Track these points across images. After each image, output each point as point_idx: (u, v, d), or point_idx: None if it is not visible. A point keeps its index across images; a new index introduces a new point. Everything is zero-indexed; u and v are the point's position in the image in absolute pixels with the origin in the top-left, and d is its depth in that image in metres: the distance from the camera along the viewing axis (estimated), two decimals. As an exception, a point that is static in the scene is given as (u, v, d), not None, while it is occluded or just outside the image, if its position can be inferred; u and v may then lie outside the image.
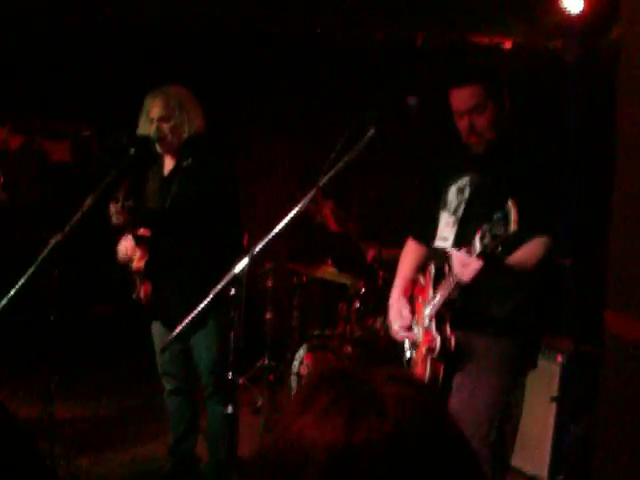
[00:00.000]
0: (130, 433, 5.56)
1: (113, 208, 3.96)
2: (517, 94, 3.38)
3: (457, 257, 2.97)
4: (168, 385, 4.50)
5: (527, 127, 3.42)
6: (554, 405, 4.61)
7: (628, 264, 3.33)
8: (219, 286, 2.90)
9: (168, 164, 4.32)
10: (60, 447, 4.89)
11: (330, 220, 5.86)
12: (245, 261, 2.86)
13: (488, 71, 3.33)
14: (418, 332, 3.37)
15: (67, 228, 3.91)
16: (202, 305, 2.92)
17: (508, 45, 6.87)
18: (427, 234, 3.49)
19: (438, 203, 3.43)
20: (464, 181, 3.32)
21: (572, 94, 6.54)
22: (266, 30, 7.08)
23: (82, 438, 5.37)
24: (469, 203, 3.27)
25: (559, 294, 4.54)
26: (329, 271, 6.08)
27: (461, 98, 3.18)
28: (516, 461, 4.73)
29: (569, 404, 4.59)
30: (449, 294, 3.10)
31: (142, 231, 4.19)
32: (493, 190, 3.15)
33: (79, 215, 3.93)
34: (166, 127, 4.12)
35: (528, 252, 3.05)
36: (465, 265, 2.91)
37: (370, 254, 5.87)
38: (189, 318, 2.97)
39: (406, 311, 3.44)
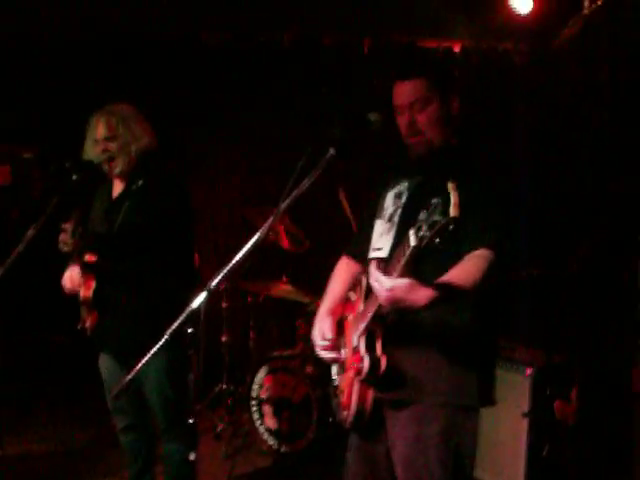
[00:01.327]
0: (86, 469, 5.31)
1: (62, 236, 3.74)
2: (467, 97, 3.16)
3: (373, 275, 2.58)
4: (119, 422, 4.27)
5: (476, 132, 3.16)
6: (526, 421, 4.48)
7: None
8: (176, 323, 2.68)
9: (117, 187, 4.11)
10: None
11: (283, 238, 5.69)
12: (203, 296, 2.65)
13: (435, 65, 3.12)
14: (346, 354, 3.05)
15: (9, 261, 3.71)
16: (158, 345, 2.70)
17: (457, 48, 6.75)
18: (362, 250, 3.16)
19: (374, 212, 3.13)
20: (402, 186, 3.03)
21: (522, 96, 6.49)
22: (210, 42, 6.90)
23: (35, 476, 5.14)
24: (406, 208, 2.95)
25: (527, 306, 4.43)
26: (285, 289, 5.90)
27: (403, 91, 2.93)
28: (490, 477, 4.61)
29: (541, 420, 4.47)
30: (377, 310, 2.72)
31: (89, 257, 3.97)
32: (434, 193, 2.87)
33: (22, 246, 3.74)
34: (112, 147, 3.93)
35: (464, 269, 2.70)
36: (381, 283, 2.53)
37: None
38: (144, 359, 2.75)
39: (328, 330, 3.11)
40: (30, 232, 3.74)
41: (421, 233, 2.26)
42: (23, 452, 5.51)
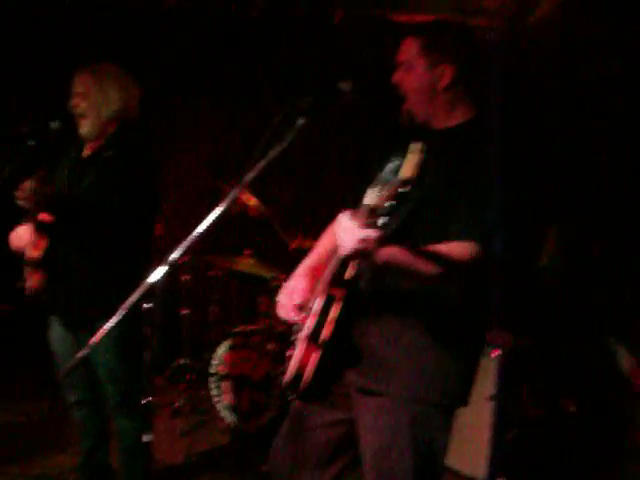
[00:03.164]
0: (38, 443, 5.19)
1: (20, 193, 3.59)
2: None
3: (338, 221, 2.39)
4: (70, 397, 4.14)
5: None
6: (490, 404, 4.40)
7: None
8: (132, 298, 2.55)
9: (87, 149, 3.96)
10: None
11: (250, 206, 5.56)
12: (162, 270, 2.52)
13: (432, 27, 2.83)
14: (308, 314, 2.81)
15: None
16: (112, 322, 2.57)
17: (429, 23, 6.63)
18: None
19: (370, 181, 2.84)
20: (400, 161, 2.79)
21: (496, 74, 6.38)
22: (176, 12, 6.75)
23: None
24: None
25: (498, 287, 4.34)
26: (248, 263, 5.78)
27: (400, 48, 2.80)
28: (452, 462, 4.54)
29: (506, 403, 4.39)
30: (336, 268, 2.59)
31: (43, 217, 3.79)
32: (429, 174, 2.67)
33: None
34: (83, 104, 3.80)
35: (442, 250, 2.52)
36: (346, 231, 2.34)
37: (292, 244, 5.62)
38: (97, 335, 2.61)
39: (299, 291, 2.87)
40: (-18, 198, 3.61)
41: (377, 192, 2.20)
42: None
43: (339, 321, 2.62)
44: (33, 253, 3.78)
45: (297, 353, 2.74)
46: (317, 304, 2.69)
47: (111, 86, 3.84)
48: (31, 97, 3.96)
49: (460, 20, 6.45)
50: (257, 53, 6.91)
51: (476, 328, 2.82)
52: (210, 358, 5.44)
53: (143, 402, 2.67)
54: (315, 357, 2.66)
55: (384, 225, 2.30)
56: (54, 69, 3.90)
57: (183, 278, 5.86)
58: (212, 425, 5.52)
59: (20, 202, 3.64)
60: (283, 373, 2.90)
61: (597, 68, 5.35)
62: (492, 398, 4.33)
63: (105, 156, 3.84)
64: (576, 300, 4.70)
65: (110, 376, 3.91)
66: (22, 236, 3.83)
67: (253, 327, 5.63)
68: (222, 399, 5.40)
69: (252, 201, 5.56)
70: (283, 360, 5.00)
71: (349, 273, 2.65)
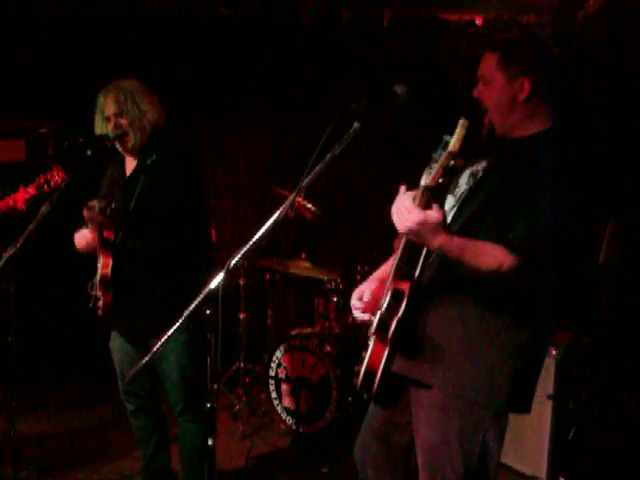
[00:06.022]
0: (100, 449, 5.26)
1: (88, 214, 3.66)
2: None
3: (397, 199, 2.49)
4: (130, 405, 4.23)
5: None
6: (550, 403, 4.38)
7: None
8: (194, 304, 2.58)
9: (130, 163, 4.04)
10: (24, 468, 4.62)
11: (305, 211, 5.58)
12: (221, 276, 2.55)
13: (508, 42, 2.84)
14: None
15: (21, 239, 3.64)
16: (174, 327, 2.60)
17: (479, 22, 6.60)
18: None
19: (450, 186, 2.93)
20: (479, 166, 2.84)
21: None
22: (227, 18, 6.78)
23: (47, 457, 5.10)
24: (474, 188, 2.80)
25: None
26: (304, 266, 5.82)
27: (481, 62, 2.81)
28: (513, 461, 4.53)
29: (566, 402, 4.37)
30: (401, 260, 2.64)
31: (107, 233, 3.87)
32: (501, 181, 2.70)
33: (35, 224, 3.67)
34: (124, 122, 3.86)
35: (488, 250, 2.52)
36: (404, 211, 2.44)
37: None
38: (160, 342, 2.65)
39: (368, 292, 2.97)
40: (44, 208, 3.68)
41: (430, 170, 2.31)
42: (35, 432, 5.50)
43: (405, 314, 2.65)
44: (104, 270, 3.84)
45: (369, 352, 2.77)
46: (385, 299, 2.71)
47: (143, 98, 3.91)
48: (88, 107, 4.00)
49: (508, 17, 6.48)
50: (308, 57, 6.91)
51: (536, 333, 2.76)
52: (269, 361, 5.47)
53: (207, 406, 2.68)
54: (384, 353, 2.70)
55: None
56: (109, 80, 3.94)
57: (241, 282, 5.89)
58: (272, 428, 5.55)
59: (87, 221, 3.73)
60: (357, 375, 2.92)
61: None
62: (552, 397, 4.35)
63: (150, 162, 3.88)
64: (634, 297, 4.66)
65: (181, 379, 3.96)
66: (86, 235, 3.92)
67: (310, 329, 5.64)
68: (281, 402, 5.43)
69: (308, 205, 5.56)
70: (342, 363, 5.09)
71: (414, 268, 2.68)
